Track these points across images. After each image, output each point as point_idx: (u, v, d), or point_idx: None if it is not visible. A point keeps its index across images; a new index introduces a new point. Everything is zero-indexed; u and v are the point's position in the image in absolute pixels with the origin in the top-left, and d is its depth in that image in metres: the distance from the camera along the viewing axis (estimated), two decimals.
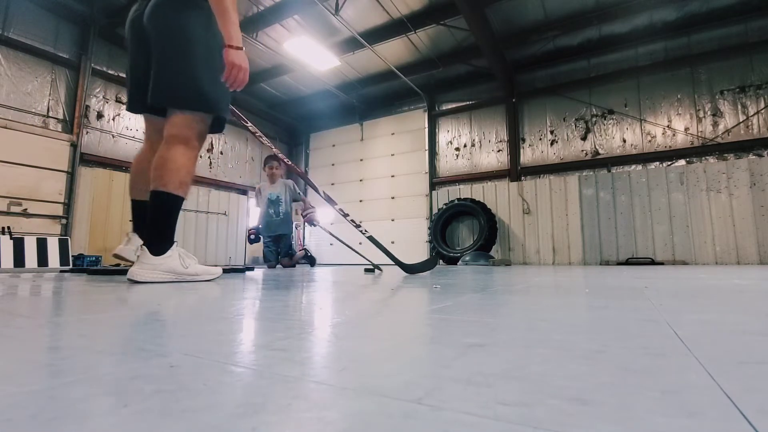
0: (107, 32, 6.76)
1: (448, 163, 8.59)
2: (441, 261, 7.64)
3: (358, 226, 2.82)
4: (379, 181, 9.35)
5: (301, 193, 5.05)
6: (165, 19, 1.85)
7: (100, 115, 6.80)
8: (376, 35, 6.88)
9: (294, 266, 5.07)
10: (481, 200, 7.76)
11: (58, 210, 6.06)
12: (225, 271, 2.70)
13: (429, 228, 8.21)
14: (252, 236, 5.18)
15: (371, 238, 2.73)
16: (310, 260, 5.63)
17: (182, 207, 1.88)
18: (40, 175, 5.86)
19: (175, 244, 1.83)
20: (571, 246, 6.98)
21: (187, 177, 1.83)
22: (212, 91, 1.86)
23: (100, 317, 0.80)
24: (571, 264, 6.74)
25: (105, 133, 6.86)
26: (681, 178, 6.31)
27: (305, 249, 5.76)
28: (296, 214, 5.31)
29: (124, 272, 1.81)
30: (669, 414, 0.29)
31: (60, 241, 5.61)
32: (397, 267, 2.76)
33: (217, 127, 2.04)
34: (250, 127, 2.60)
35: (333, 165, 10.03)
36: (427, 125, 8.85)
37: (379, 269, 3.07)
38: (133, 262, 1.88)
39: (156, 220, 1.79)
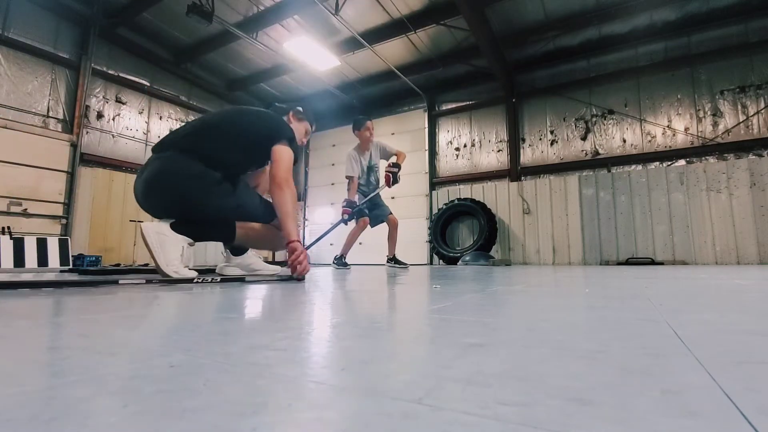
0: (107, 32, 6.76)
1: (448, 163, 8.59)
2: (441, 261, 7.64)
3: None
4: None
5: (389, 147, 4.73)
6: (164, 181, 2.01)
7: (100, 115, 6.80)
8: (376, 35, 6.87)
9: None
10: (481, 200, 7.75)
11: (58, 210, 6.06)
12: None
13: (429, 228, 8.20)
14: (349, 214, 4.24)
15: None
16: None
17: None
18: (40, 175, 5.86)
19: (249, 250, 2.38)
20: (571, 246, 6.98)
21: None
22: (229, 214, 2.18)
23: (99, 317, 0.80)
24: (571, 264, 6.74)
25: (105, 133, 6.86)
26: (681, 178, 6.30)
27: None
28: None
29: (120, 272, 1.81)
30: (669, 414, 0.29)
31: (60, 241, 5.61)
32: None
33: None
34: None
35: (333, 165, 10.02)
36: (427, 125, 8.84)
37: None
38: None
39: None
